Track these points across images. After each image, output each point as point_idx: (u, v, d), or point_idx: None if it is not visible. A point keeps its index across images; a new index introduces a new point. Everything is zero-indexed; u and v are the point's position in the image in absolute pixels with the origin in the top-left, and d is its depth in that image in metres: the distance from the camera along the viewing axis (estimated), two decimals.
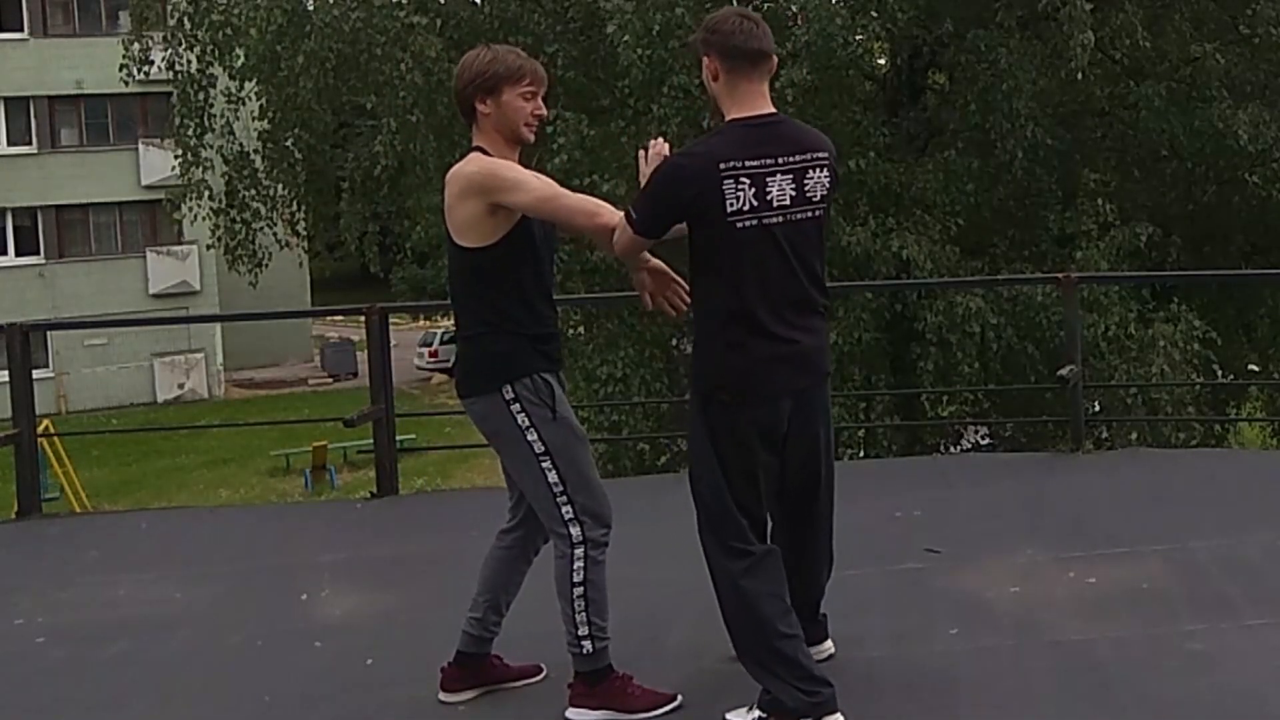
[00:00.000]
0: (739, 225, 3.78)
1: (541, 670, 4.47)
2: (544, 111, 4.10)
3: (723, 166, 3.75)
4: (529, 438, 4.00)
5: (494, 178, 3.94)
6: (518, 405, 3.99)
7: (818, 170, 3.89)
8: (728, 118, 3.89)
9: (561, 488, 4.01)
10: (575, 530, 4.02)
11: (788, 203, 3.83)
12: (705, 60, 3.91)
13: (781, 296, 3.87)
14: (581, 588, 4.03)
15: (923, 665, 4.44)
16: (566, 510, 4.02)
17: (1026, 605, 4.94)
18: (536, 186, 3.97)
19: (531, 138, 4.09)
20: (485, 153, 4.03)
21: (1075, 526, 5.98)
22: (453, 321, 4.31)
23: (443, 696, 4.29)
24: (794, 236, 3.87)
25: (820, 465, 4.13)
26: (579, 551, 4.03)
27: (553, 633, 4.87)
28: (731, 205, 3.76)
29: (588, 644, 4.07)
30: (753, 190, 3.77)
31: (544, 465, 4.01)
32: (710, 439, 3.93)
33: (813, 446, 4.08)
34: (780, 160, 3.82)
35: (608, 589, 4.08)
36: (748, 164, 3.77)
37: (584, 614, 4.04)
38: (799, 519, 4.18)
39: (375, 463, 7.61)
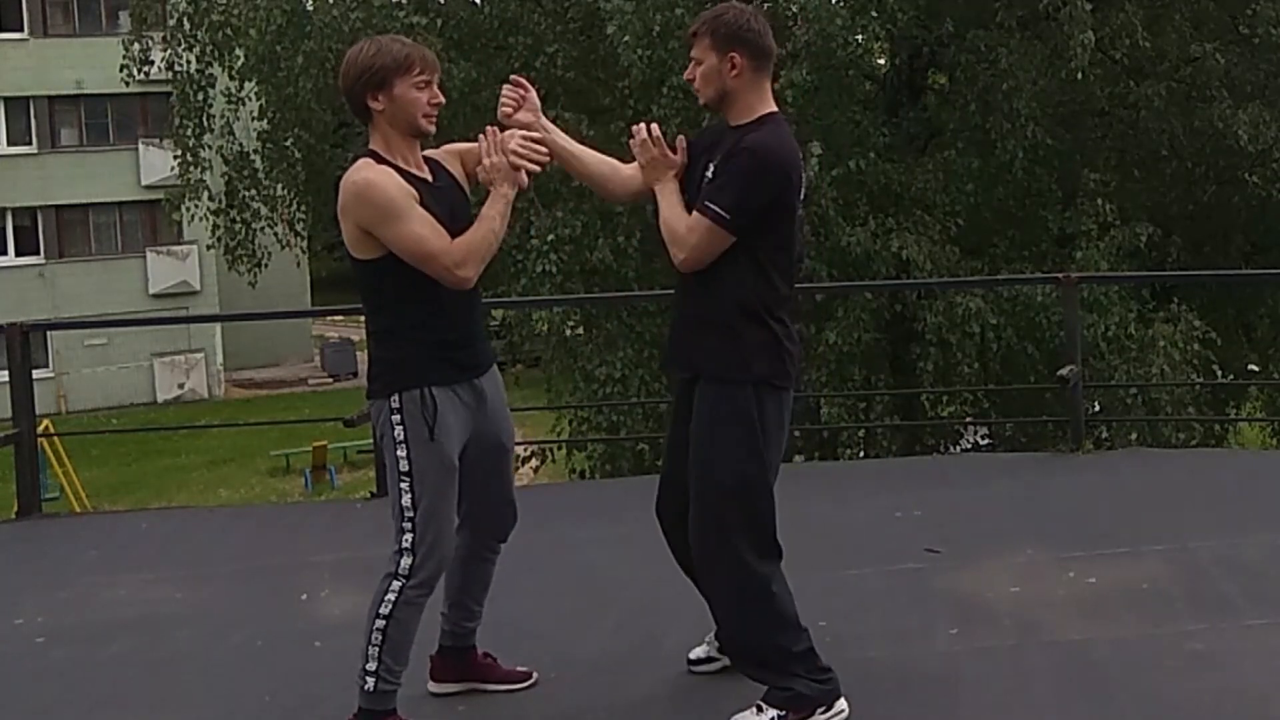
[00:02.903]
0: (799, 213, 3.88)
1: (531, 677, 4.40)
2: (441, 99, 3.87)
3: (800, 157, 3.89)
4: (399, 453, 3.83)
5: (365, 205, 3.75)
6: (399, 417, 3.83)
7: None
8: (758, 113, 3.90)
9: (411, 514, 3.83)
10: (404, 562, 3.84)
11: None
12: (728, 56, 3.86)
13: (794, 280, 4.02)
14: (384, 621, 3.84)
15: (922, 665, 4.44)
16: (406, 538, 3.84)
17: (1026, 605, 4.95)
18: (409, 234, 3.73)
19: (431, 129, 3.86)
20: (378, 157, 3.84)
21: (1075, 526, 5.99)
22: None
23: (431, 687, 4.29)
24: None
25: None
26: (396, 584, 3.84)
27: (549, 631, 4.90)
28: (801, 194, 3.86)
29: (371, 681, 3.87)
30: (802, 181, 3.91)
31: (402, 485, 3.83)
32: (763, 431, 3.86)
33: None
34: None
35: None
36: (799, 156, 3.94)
37: (377, 649, 3.85)
38: None
39: (375, 462, 7.61)
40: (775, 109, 3.95)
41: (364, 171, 3.81)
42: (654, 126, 4.00)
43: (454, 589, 4.21)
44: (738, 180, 3.79)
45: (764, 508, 3.89)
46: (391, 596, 3.84)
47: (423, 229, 3.75)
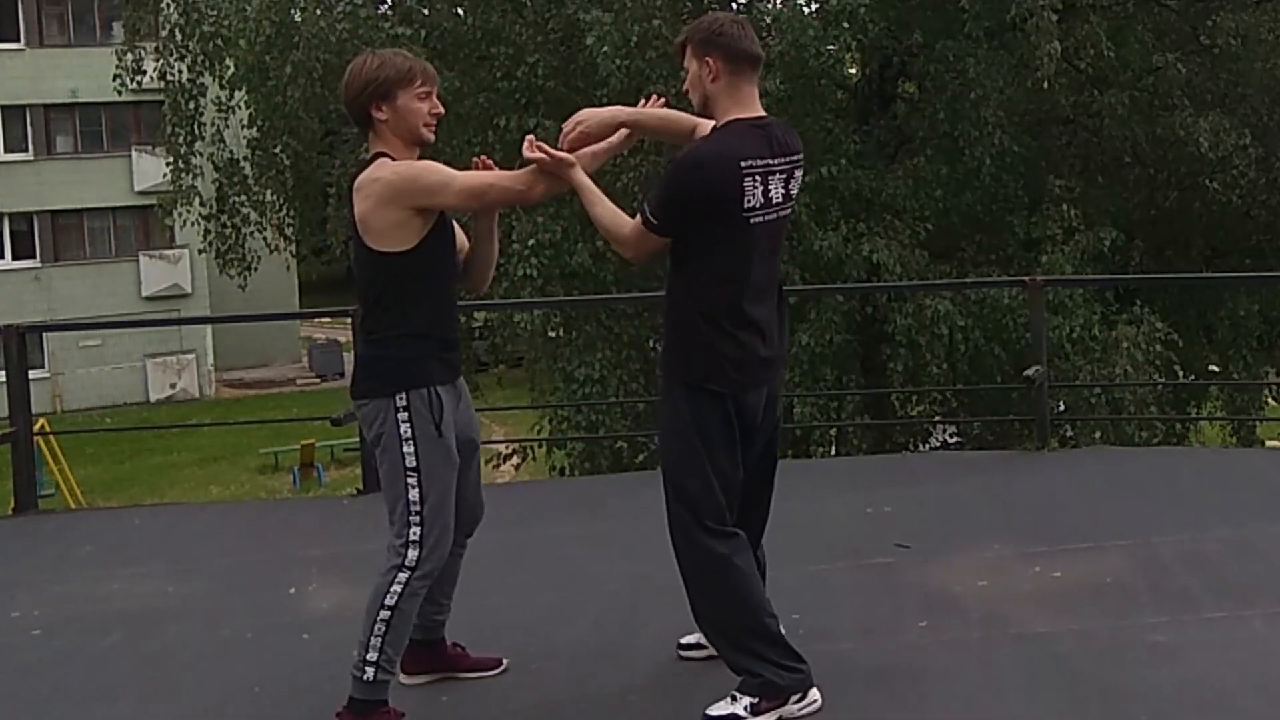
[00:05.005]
0: (751, 221, 3.91)
1: (501, 664, 4.50)
2: (440, 110, 4.04)
3: (743, 164, 3.87)
4: (405, 449, 3.92)
5: (415, 182, 3.90)
6: (406, 415, 3.92)
7: (798, 171, 4.08)
8: (727, 118, 3.98)
9: (419, 508, 3.93)
10: (412, 554, 3.93)
11: (780, 201, 4.00)
12: (704, 61, 3.96)
13: (763, 289, 4.04)
14: (389, 612, 3.92)
15: (892, 657, 4.51)
16: (414, 531, 3.93)
17: (993, 599, 5.00)
18: (462, 183, 3.94)
19: (432, 137, 4.03)
20: (390, 158, 3.97)
21: (1040, 522, 6.05)
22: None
23: (402, 679, 4.29)
24: (778, 234, 4.08)
25: (776, 451, 4.29)
26: (403, 576, 3.93)
27: (531, 624, 5.00)
28: (748, 202, 3.89)
29: (370, 671, 3.93)
30: (760, 188, 3.92)
31: (409, 480, 3.93)
32: (698, 426, 3.96)
33: (774, 434, 4.24)
34: (776, 161, 3.97)
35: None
36: (758, 162, 3.91)
37: (380, 639, 3.92)
38: (754, 505, 4.25)
39: (361, 460, 7.71)
40: (745, 115, 3.99)
41: (400, 164, 3.95)
42: (529, 138, 4.08)
43: None
44: (661, 185, 3.95)
45: (704, 491, 3.97)
46: (398, 588, 3.93)
47: (475, 177, 3.98)
